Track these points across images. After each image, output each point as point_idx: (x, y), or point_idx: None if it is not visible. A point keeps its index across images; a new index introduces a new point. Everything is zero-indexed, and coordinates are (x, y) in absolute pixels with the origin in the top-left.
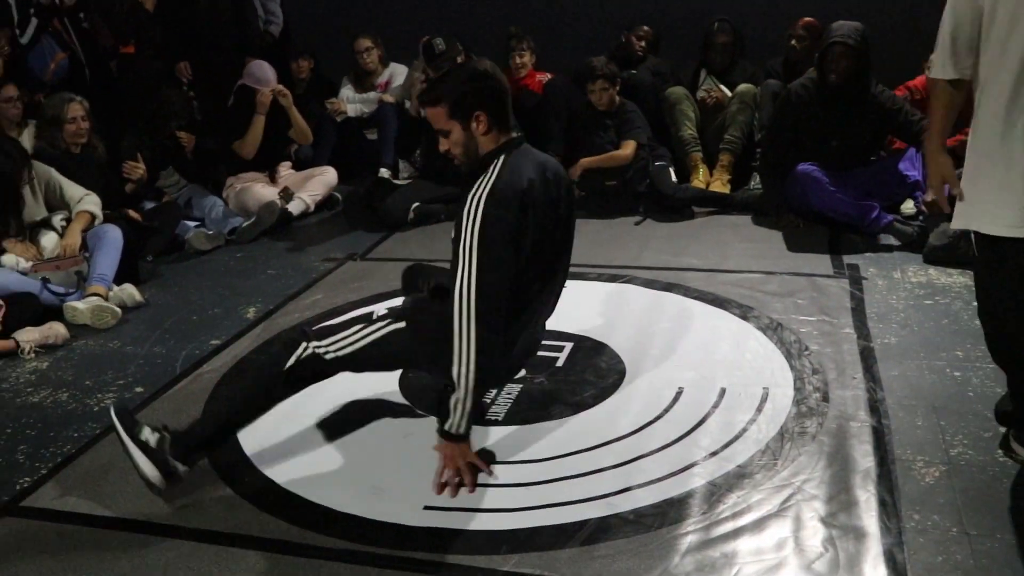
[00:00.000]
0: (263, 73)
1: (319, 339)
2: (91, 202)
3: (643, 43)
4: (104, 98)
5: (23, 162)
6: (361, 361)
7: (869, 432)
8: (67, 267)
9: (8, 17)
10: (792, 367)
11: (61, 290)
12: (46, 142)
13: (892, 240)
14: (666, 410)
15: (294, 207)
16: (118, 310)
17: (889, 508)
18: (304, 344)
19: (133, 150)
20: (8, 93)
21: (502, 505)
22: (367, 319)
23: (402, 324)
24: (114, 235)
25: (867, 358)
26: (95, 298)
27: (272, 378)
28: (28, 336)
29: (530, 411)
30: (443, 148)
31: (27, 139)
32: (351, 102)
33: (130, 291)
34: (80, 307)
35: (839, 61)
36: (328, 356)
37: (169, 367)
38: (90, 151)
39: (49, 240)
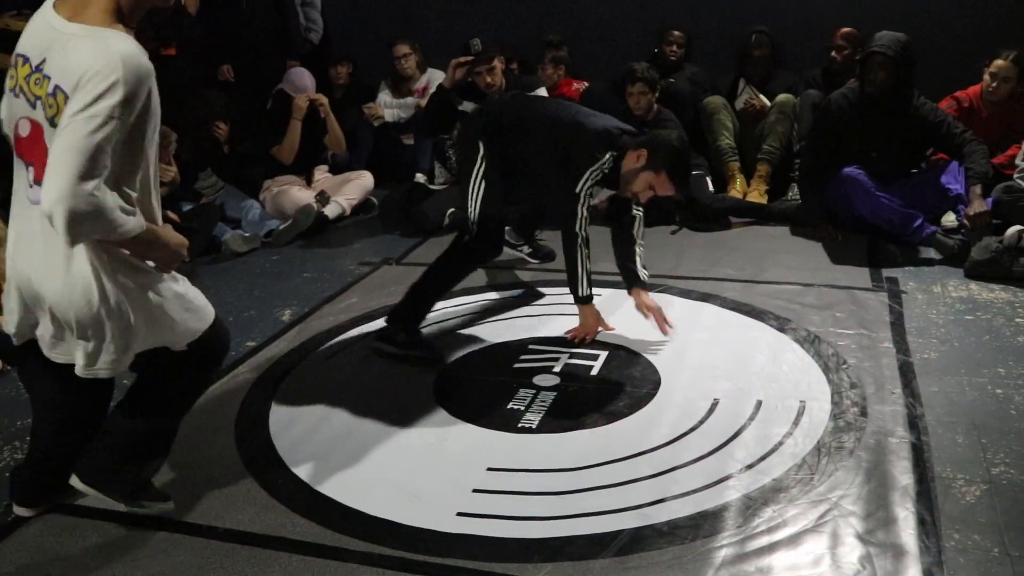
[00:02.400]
0: (301, 80)
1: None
2: None
3: (674, 47)
4: None
5: None
6: None
7: (908, 448)
8: None
9: None
10: (830, 380)
11: None
12: None
13: (932, 254)
14: (701, 421)
15: (330, 211)
16: None
17: (928, 527)
18: None
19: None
20: None
21: (536, 513)
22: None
23: None
24: None
25: (906, 373)
26: None
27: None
28: None
29: (564, 420)
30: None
31: None
32: (388, 107)
33: None
34: None
35: (876, 72)
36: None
37: None
38: None
39: None
